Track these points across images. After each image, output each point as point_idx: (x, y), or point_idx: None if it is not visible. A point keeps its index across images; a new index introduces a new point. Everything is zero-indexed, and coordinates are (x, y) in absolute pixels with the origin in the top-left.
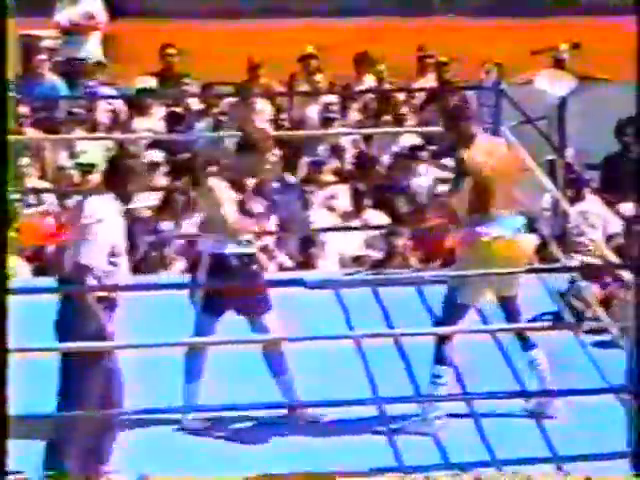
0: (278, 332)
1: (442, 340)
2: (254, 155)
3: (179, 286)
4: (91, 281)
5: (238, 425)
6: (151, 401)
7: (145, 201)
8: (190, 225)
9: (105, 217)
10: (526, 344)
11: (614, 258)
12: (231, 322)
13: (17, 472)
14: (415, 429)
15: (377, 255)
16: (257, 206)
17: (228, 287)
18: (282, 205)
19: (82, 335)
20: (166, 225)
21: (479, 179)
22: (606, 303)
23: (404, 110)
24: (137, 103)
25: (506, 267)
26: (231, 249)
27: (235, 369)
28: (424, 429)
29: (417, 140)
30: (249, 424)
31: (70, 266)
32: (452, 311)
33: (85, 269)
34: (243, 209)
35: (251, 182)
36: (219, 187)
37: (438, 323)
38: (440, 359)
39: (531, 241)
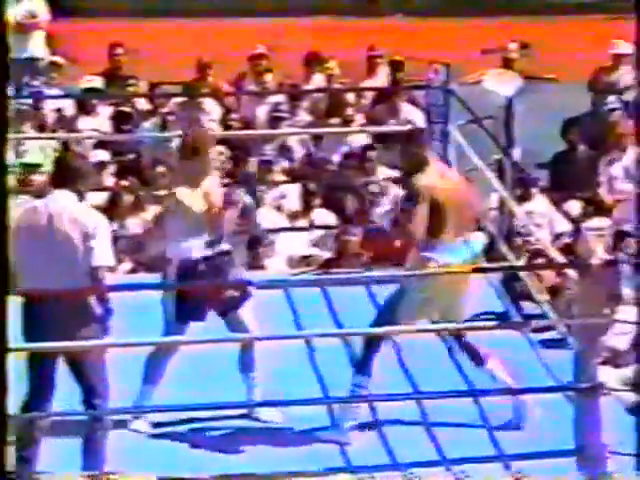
0: (255, 326)
1: (370, 350)
2: (197, 159)
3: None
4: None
5: (187, 427)
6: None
7: (91, 201)
8: (137, 225)
9: (98, 216)
10: (478, 361)
11: (561, 257)
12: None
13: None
14: (327, 437)
15: (326, 255)
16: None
17: (195, 291)
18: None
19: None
20: (112, 225)
21: (432, 204)
22: (554, 293)
23: (351, 111)
24: (83, 103)
25: (451, 295)
26: (199, 253)
27: (193, 371)
28: (336, 438)
29: (366, 140)
30: (200, 426)
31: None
32: (389, 324)
33: (103, 270)
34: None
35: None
36: (187, 197)
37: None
38: (363, 369)
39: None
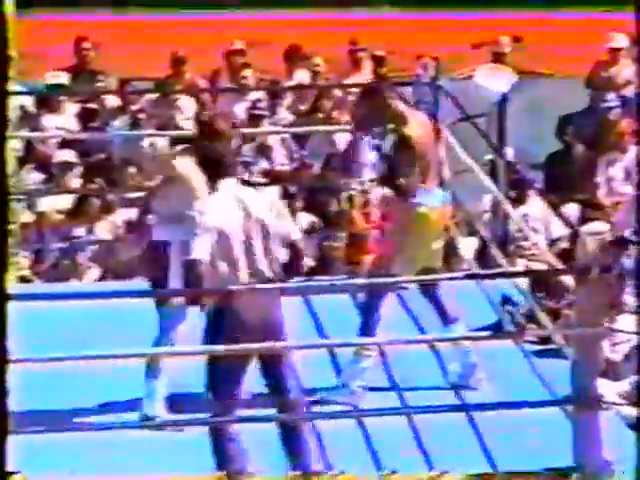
0: None
1: (371, 309)
2: (219, 143)
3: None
4: None
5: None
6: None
7: (56, 204)
8: (105, 230)
9: None
10: (446, 319)
11: (557, 263)
12: None
13: (17, 472)
14: (339, 400)
15: (309, 262)
16: None
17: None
18: None
19: None
20: (79, 230)
21: (417, 153)
22: (555, 314)
23: (336, 110)
24: (47, 99)
25: (437, 237)
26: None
27: None
28: (347, 400)
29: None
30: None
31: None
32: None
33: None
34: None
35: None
36: (191, 173)
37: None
38: (366, 329)
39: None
